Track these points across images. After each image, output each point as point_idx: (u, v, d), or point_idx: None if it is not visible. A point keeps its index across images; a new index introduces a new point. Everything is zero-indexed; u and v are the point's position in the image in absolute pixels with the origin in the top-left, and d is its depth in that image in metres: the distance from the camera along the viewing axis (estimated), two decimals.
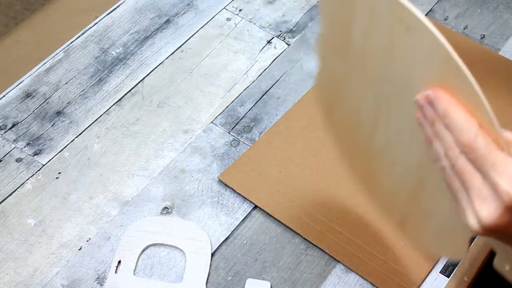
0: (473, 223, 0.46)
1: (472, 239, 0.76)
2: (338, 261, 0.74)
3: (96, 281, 0.73)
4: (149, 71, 0.92)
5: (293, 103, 0.88)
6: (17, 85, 0.90)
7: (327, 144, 0.83)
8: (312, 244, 0.75)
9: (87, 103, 0.89)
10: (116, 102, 0.89)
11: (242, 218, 0.78)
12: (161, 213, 0.78)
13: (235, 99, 0.89)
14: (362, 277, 0.73)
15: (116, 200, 0.79)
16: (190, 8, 0.99)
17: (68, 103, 0.89)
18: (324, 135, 0.84)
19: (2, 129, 0.86)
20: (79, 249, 0.76)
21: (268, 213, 0.78)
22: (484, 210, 0.45)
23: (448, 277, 0.73)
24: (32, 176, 0.81)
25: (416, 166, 0.64)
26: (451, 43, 0.69)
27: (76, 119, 0.87)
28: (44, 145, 0.84)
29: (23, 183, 0.81)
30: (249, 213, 0.78)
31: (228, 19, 0.98)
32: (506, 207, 0.44)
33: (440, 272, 0.73)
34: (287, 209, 0.78)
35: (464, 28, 0.97)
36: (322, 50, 0.66)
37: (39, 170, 0.82)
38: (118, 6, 0.99)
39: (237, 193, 0.79)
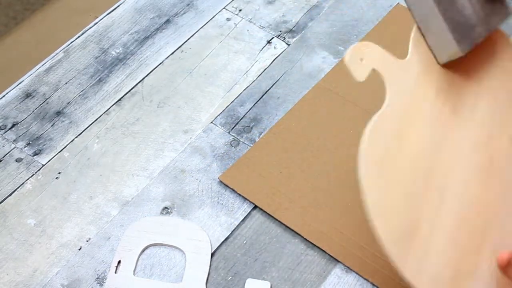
0: None
1: None
2: (338, 261, 0.74)
3: (96, 281, 0.73)
4: (149, 71, 0.92)
5: (293, 103, 0.87)
6: (17, 85, 0.90)
7: (327, 145, 0.83)
8: (312, 244, 0.75)
9: (87, 103, 0.89)
10: (116, 102, 0.89)
11: (242, 218, 0.78)
12: (161, 213, 0.78)
13: (235, 99, 0.89)
14: (362, 277, 0.73)
15: (116, 200, 0.79)
16: (190, 8, 0.99)
17: (68, 103, 0.89)
18: (325, 135, 0.84)
19: (2, 129, 0.86)
20: (79, 249, 0.76)
21: (268, 213, 0.78)
22: None
23: None
24: (32, 176, 0.81)
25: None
26: None
27: (76, 119, 0.87)
28: (44, 145, 0.84)
29: (23, 183, 0.81)
30: (249, 213, 0.78)
31: (228, 19, 0.98)
32: None
33: None
34: (287, 210, 0.77)
35: None
36: None
37: (39, 170, 0.82)
38: (118, 6, 0.99)
39: (237, 193, 0.79)
